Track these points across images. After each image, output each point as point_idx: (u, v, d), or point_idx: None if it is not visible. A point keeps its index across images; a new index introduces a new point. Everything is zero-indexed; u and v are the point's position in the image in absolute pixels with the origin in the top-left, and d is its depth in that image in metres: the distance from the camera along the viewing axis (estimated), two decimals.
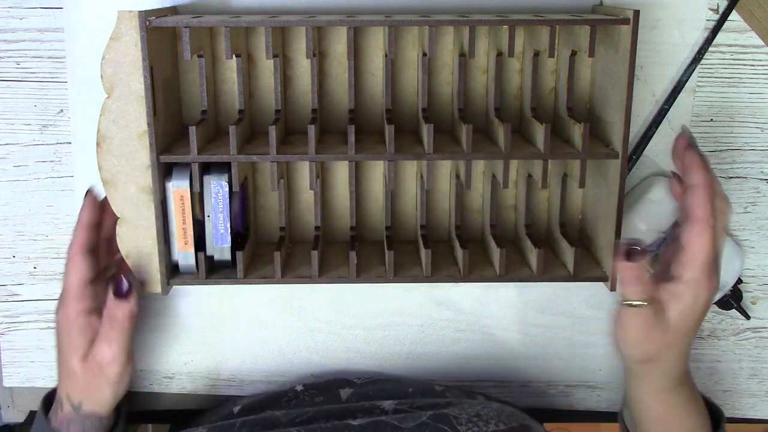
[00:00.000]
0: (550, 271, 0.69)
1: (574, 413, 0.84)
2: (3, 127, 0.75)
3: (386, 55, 0.66)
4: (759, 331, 0.81)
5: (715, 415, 0.69)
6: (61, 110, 0.74)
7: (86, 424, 0.68)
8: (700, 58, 0.72)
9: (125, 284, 0.65)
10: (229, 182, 0.67)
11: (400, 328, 0.80)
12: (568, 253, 0.68)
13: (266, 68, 0.72)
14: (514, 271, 0.70)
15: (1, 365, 0.82)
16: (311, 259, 0.69)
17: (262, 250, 0.74)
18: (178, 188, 0.66)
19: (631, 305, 0.61)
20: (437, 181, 0.76)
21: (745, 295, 0.78)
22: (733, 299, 0.76)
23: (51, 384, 0.81)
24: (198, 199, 0.67)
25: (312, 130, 0.64)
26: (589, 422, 0.82)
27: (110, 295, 0.65)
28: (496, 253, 0.69)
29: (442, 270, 0.70)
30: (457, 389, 0.79)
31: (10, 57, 0.73)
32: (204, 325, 0.80)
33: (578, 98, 0.72)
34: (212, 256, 0.69)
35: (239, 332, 0.80)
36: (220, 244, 0.68)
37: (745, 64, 0.73)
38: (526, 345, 0.81)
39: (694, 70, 0.73)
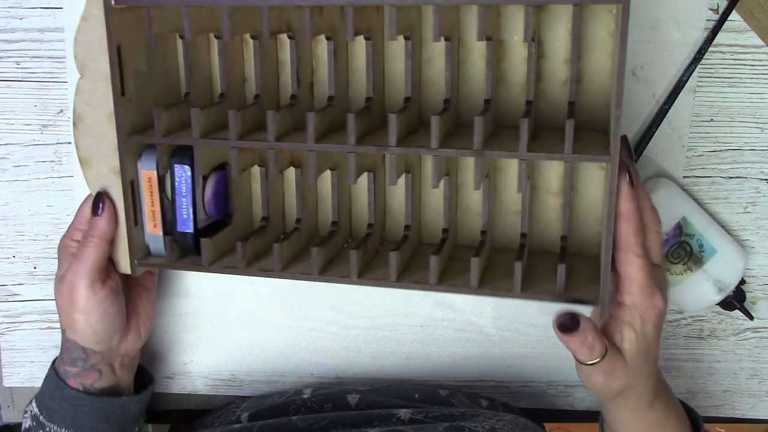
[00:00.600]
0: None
1: (574, 413, 0.84)
2: (3, 127, 0.75)
3: (368, 39, 0.63)
4: (759, 331, 0.81)
5: (693, 418, 0.69)
6: (61, 110, 0.74)
7: (73, 354, 0.68)
8: (700, 58, 0.72)
9: (100, 203, 0.65)
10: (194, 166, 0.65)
11: (400, 328, 0.80)
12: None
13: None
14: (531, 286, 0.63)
15: (1, 365, 0.82)
16: (273, 251, 0.66)
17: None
18: (146, 170, 0.65)
19: (590, 365, 0.60)
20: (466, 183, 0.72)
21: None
22: (736, 300, 0.76)
23: None
24: (170, 183, 0.67)
25: (270, 116, 0.61)
26: (589, 422, 0.82)
27: (88, 216, 0.66)
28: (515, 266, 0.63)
29: (449, 279, 0.65)
30: (461, 393, 0.79)
31: (10, 57, 0.73)
32: (204, 325, 0.80)
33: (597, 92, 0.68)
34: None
35: (239, 332, 0.80)
36: (182, 229, 0.67)
37: (745, 64, 0.73)
38: (526, 345, 0.80)
39: (694, 70, 0.72)
